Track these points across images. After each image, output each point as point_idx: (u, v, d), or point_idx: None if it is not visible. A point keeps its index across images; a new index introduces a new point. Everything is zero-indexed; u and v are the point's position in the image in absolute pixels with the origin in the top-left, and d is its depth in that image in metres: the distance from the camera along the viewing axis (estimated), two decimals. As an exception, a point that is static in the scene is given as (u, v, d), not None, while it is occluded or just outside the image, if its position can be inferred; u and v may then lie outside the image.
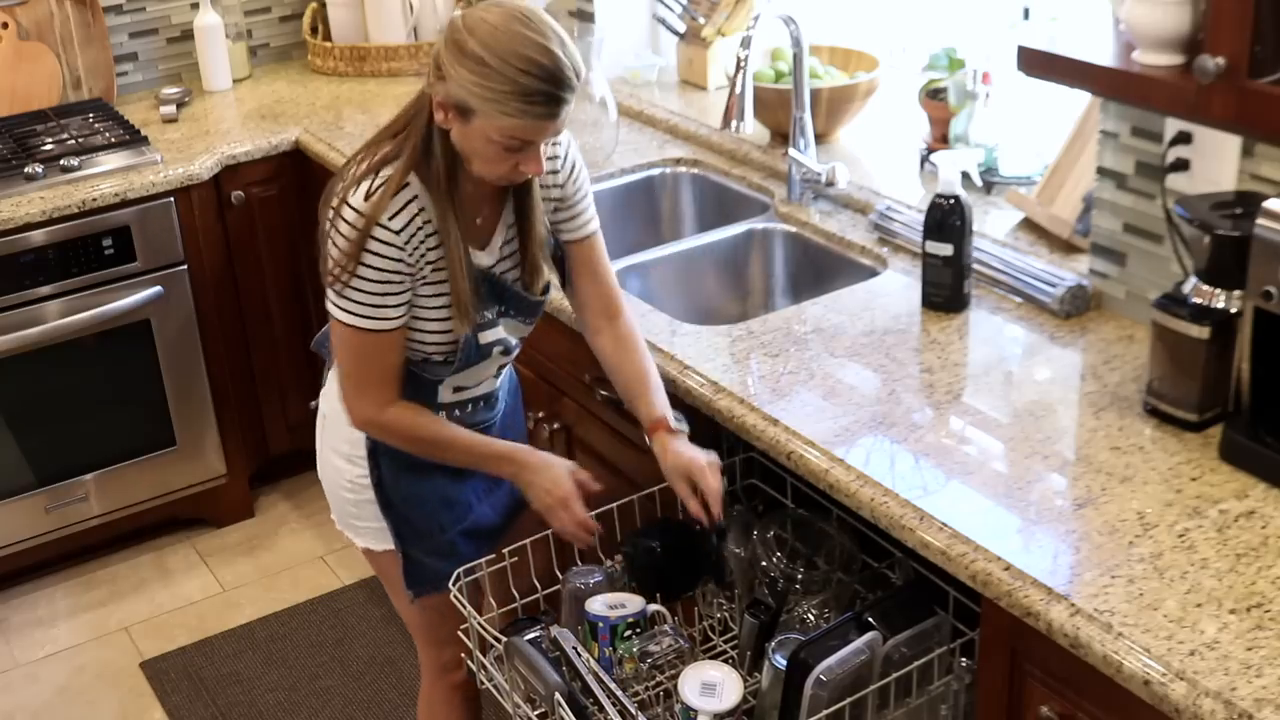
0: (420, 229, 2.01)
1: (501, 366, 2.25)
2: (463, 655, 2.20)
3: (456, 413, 2.22)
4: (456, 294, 2.04)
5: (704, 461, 2.08)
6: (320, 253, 2.05)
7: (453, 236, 2.01)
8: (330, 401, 2.24)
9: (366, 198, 1.98)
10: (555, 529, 2.15)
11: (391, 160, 2.01)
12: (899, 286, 2.48)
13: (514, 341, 2.23)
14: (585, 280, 2.24)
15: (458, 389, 2.20)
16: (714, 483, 2.07)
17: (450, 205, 2.01)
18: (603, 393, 2.48)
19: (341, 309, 2.03)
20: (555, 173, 2.15)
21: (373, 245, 1.98)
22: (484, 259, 2.12)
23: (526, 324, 2.23)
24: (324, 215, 2.04)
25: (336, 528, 2.36)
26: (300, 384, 3.76)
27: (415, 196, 2.00)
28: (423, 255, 2.02)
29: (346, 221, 1.98)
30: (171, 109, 3.68)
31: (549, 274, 2.21)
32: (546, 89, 1.88)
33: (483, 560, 2.16)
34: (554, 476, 2.14)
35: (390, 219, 1.98)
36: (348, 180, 2.02)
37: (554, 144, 2.13)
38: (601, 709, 1.90)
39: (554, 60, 1.88)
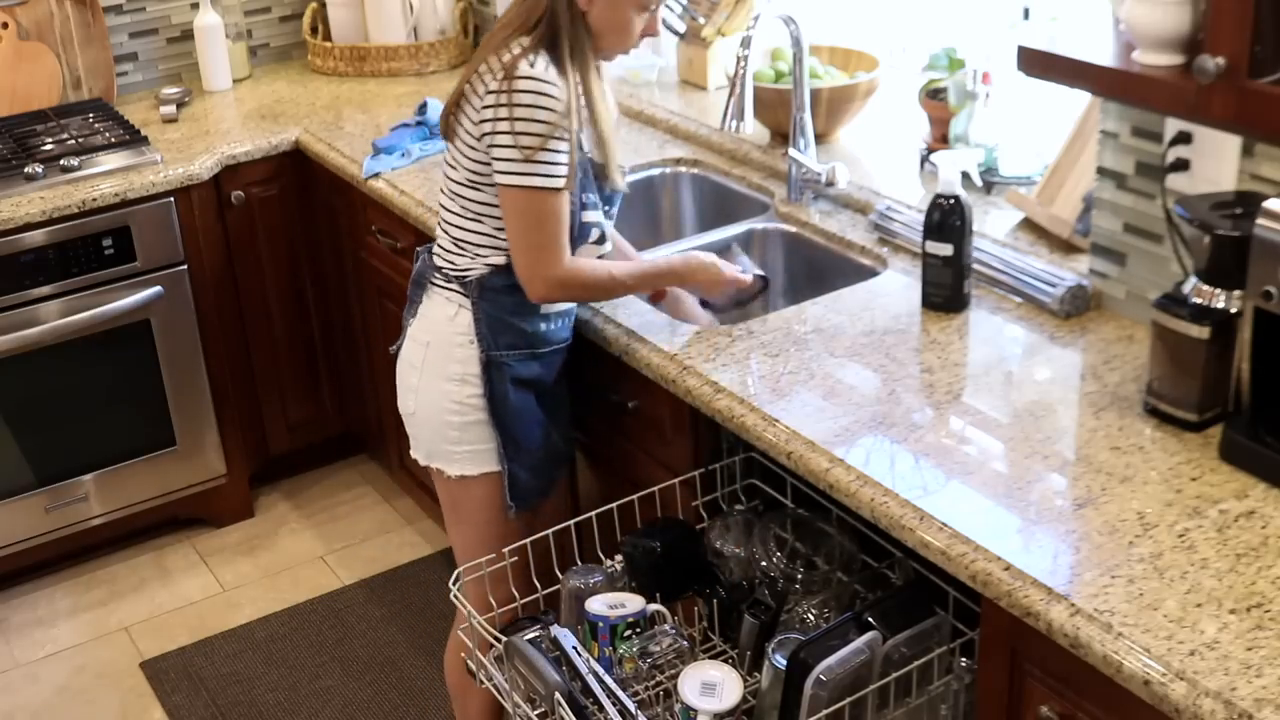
0: (571, 89, 2.21)
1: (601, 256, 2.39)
2: (463, 655, 2.21)
3: (553, 324, 2.39)
4: (604, 143, 2.29)
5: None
6: (481, 133, 2.22)
7: (594, 98, 2.25)
8: (431, 330, 2.36)
9: (531, 66, 2.18)
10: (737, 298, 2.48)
11: (538, 47, 2.20)
12: (899, 286, 2.48)
13: (608, 230, 2.39)
14: None
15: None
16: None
17: (589, 69, 2.24)
18: (603, 392, 2.49)
19: (538, 174, 2.20)
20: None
21: (558, 105, 2.17)
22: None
23: (608, 214, 2.39)
24: (474, 98, 2.22)
25: (421, 463, 2.46)
26: (300, 384, 3.77)
27: (554, 63, 2.20)
28: (574, 119, 2.22)
29: (527, 90, 2.17)
30: (171, 109, 3.68)
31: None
32: None
33: (483, 560, 2.17)
34: (709, 274, 2.41)
35: (556, 77, 2.18)
36: (502, 62, 2.19)
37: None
38: (601, 709, 1.90)
39: None
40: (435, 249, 2.40)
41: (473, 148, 2.25)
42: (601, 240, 2.36)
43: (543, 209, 2.22)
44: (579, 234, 2.30)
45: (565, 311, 2.41)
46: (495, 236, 2.29)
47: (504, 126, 2.18)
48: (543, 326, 2.36)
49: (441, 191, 2.38)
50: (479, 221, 2.31)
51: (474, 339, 2.32)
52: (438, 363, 2.36)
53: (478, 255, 2.32)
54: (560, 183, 2.21)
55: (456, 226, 2.34)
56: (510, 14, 2.26)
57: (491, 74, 2.20)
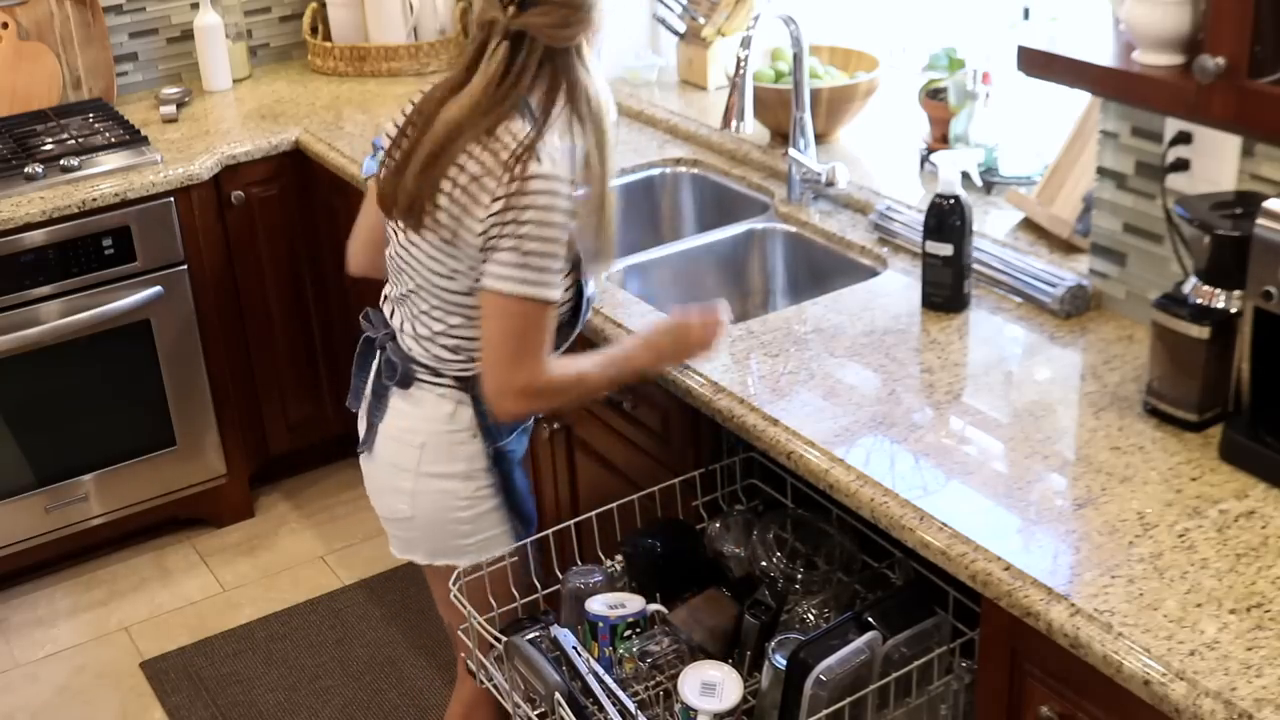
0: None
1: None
2: (463, 655, 2.20)
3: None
4: (605, 228, 2.04)
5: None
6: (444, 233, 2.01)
7: (606, 167, 2.02)
8: (432, 429, 2.17)
9: (544, 161, 1.94)
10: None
11: (544, 121, 1.97)
12: (899, 286, 2.48)
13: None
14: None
15: None
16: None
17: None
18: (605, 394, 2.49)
19: (538, 282, 1.97)
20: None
21: (556, 202, 1.95)
22: None
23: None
24: (471, 197, 1.97)
25: (420, 563, 2.32)
26: (300, 384, 3.77)
27: (562, 135, 1.98)
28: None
29: (541, 192, 1.94)
30: (171, 109, 3.68)
31: None
32: None
33: (483, 560, 2.17)
34: (685, 341, 2.17)
35: (568, 174, 1.96)
36: (502, 160, 1.95)
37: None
38: (601, 709, 1.90)
39: None
40: (409, 344, 2.17)
41: (470, 253, 2.02)
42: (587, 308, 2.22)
43: (533, 318, 2.00)
44: (584, 310, 2.17)
45: None
46: None
47: (510, 231, 1.96)
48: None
49: (410, 280, 2.12)
50: (477, 326, 2.09)
51: (477, 434, 2.16)
52: (437, 463, 2.18)
53: (474, 355, 2.12)
54: (558, 294, 2.01)
55: (449, 326, 2.11)
56: (480, 80, 1.99)
57: (492, 174, 1.96)
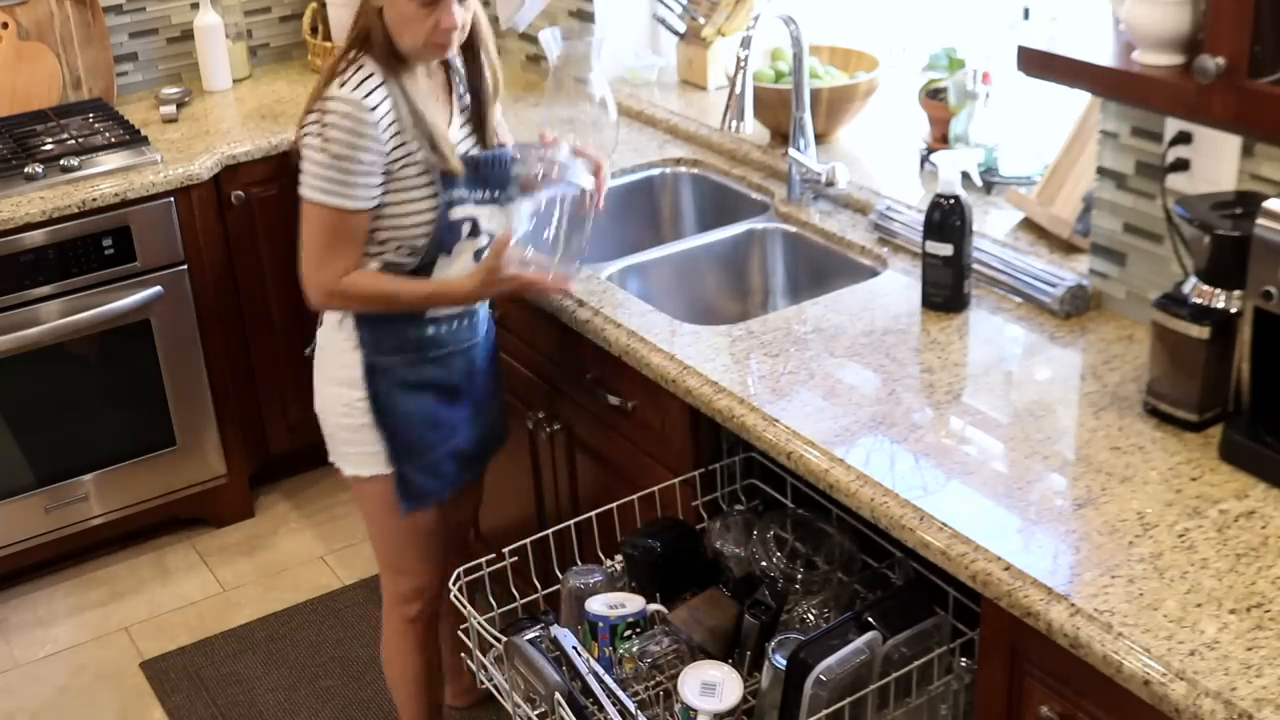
0: (386, 102, 2.22)
1: (478, 253, 2.36)
2: (463, 655, 2.21)
3: (443, 328, 2.40)
4: (435, 142, 2.26)
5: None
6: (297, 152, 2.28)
7: (412, 101, 2.24)
8: (325, 334, 2.41)
9: (340, 86, 2.21)
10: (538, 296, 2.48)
11: (349, 56, 2.25)
12: (899, 286, 2.48)
13: (486, 226, 2.36)
14: None
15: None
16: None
17: (401, 73, 2.24)
18: (603, 393, 2.49)
19: (328, 190, 2.23)
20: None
21: (362, 127, 2.20)
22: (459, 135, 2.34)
23: (496, 197, 2.37)
24: (304, 120, 2.26)
25: (334, 466, 2.51)
26: (300, 384, 3.73)
27: (373, 75, 2.22)
28: (394, 135, 2.23)
29: (333, 111, 2.20)
30: (171, 109, 3.68)
31: (506, 135, 2.45)
32: None
33: (483, 560, 2.17)
34: (500, 287, 2.32)
35: (361, 97, 2.20)
36: (321, 83, 2.25)
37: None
38: (601, 709, 1.90)
39: None
40: None
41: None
42: (476, 233, 2.37)
43: (325, 223, 2.26)
44: (447, 233, 2.32)
45: (462, 314, 2.43)
46: (365, 250, 2.32)
47: (311, 142, 2.23)
48: (430, 330, 2.40)
49: None
50: None
51: (357, 345, 2.37)
52: (328, 366, 2.43)
53: None
54: (347, 203, 2.24)
55: None
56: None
57: (312, 99, 2.26)
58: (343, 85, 2.22)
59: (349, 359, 2.38)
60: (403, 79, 2.25)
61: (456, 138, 2.35)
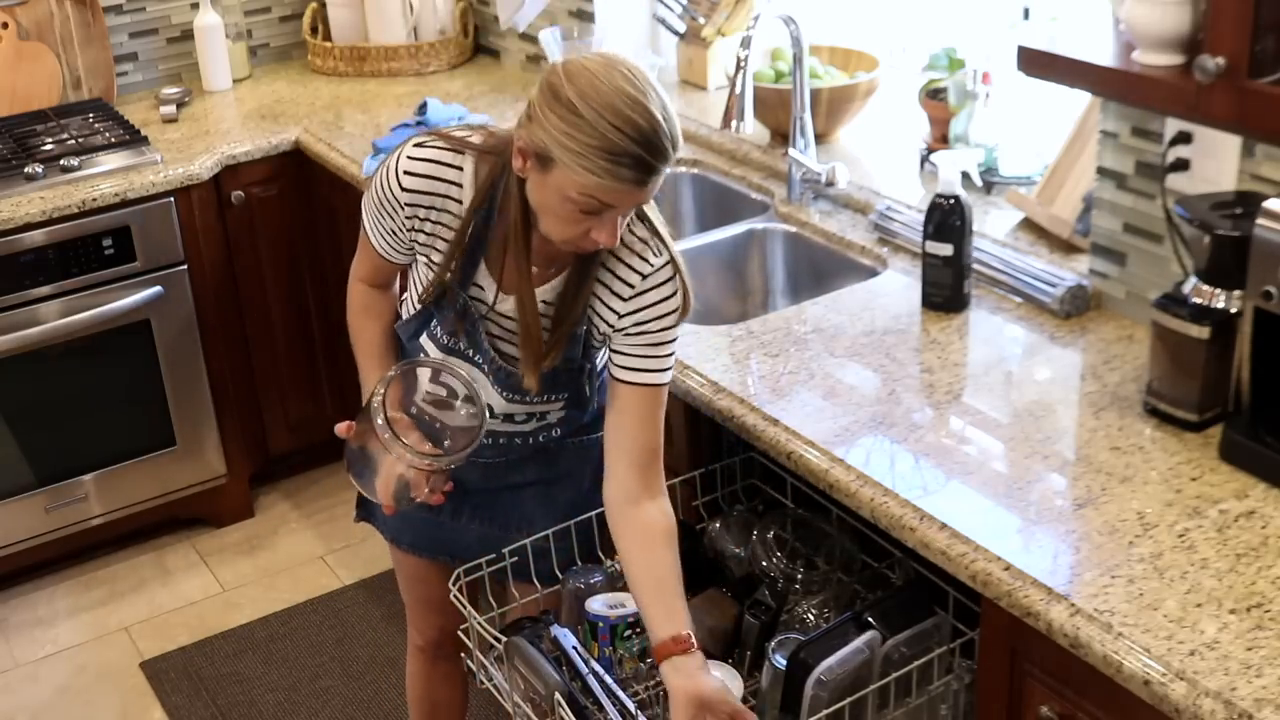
0: (435, 198, 1.94)
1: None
2: (462, 655, 2.21)
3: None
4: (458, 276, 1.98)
5: (720, 688, 1.83)
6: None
7: (464, 238, 1.94)
8: None
9: (419, 145, 1.95)
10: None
11: (470, 143, 1.94)
12: (899, 286, 2.48)
13: (460, 386, 1.99)
14: (616, 415, 2.00)
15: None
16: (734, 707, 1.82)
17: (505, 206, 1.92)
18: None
19: (368, 225, 2.06)
20: (620, 299, 1.96)
21: (383, 176, 1.96)
22: (504, 303, 2.00)
23: (505, 395, 2.06)
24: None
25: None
26: (300, 384, 3.77)
27: (458, 180, 1.93)
28: (423, 222, 1.96)
29: (398, 153, 1.96)
30: (171, 109, 3.68)
31: (540, 383, 2.00)
32: (637, 152, 1.75)
33: (483, 560, 2.16)
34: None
35: (411, 166, 1.93)
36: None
37: (643, 265, 1.96)
38: (601, 709, 1.90)
39: (652, 123, 1.76)
40: None
41: None
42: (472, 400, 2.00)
43: (362, 228, 2.10)
44: (413, 335, 2.10)
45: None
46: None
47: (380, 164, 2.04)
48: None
49: None
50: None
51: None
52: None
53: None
54: (371, 236, 2.06)
55: None
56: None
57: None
58: (421, 146, 1.94)
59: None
60: (498, 204, 1.91)
61: (507, 308, 1.99)
